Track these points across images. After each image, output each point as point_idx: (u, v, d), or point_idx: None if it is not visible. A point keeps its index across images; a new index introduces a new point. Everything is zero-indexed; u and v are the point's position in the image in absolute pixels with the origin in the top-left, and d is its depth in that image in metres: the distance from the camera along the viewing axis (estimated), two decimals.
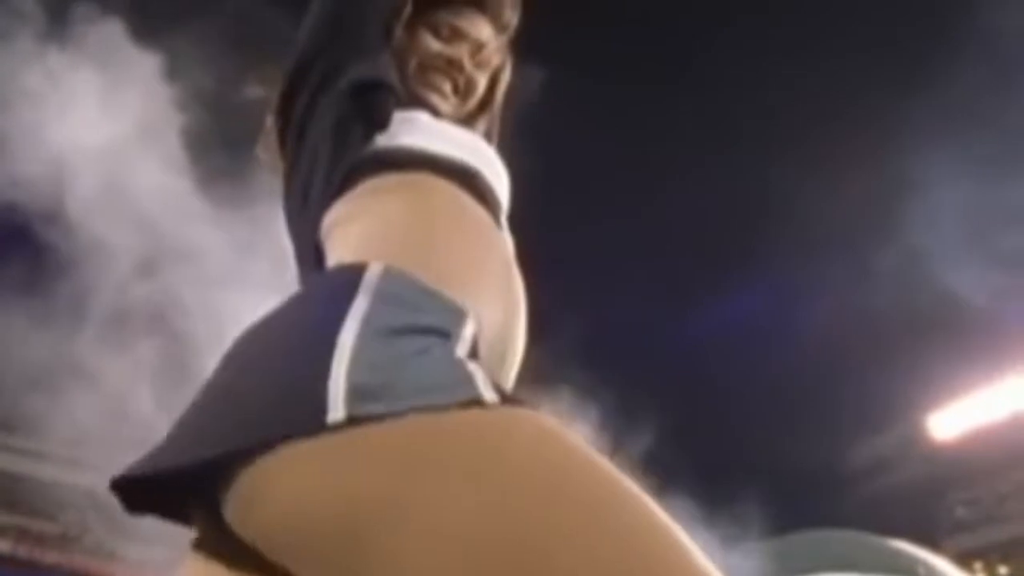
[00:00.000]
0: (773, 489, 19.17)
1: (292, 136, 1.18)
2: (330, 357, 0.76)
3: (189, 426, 0.81)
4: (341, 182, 1.07)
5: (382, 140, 1.11)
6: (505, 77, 1.41)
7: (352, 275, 0.87)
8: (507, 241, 1.14)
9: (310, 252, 1.08)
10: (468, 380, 0.76)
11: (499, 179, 1.20)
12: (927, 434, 21.70)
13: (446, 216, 1.04)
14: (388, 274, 0.86)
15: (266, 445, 0.73)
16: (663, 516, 0.68)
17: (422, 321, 0.83)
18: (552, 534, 0.65)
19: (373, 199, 1.04)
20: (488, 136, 1.39)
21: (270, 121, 1.26)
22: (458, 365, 0.79)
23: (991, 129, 17.34)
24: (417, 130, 1.15)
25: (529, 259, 1.17)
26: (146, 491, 0.80)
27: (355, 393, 0.73)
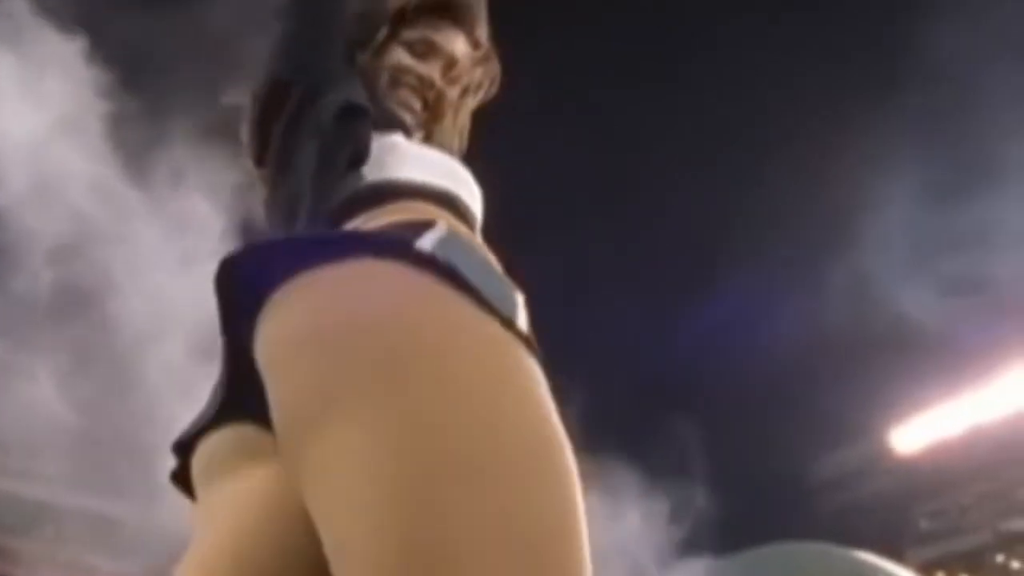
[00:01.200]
0: (741, 501, 19.53)
1: (272, 159, 1.19)
2: (418, 237, 0.83)
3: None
4: (337, 215, 1.07)
5: (370, 172, 1.13)
6: (484, 88, 1.42)
7: (421, 225, 0.91)
8: None
9: None
10: (516, 305, 0.86)
11: (474, 198, 1.23)
12: (891, 448, 22.03)
13: None
14: (453, 230, 0.93)
15: (359, 253, 0.82)
16: (578, 511, 0.75)
17: (491, 262, 0.93)
18: (473, 474, 0.70)
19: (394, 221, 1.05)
20: (454, 146, 1.41)
21: (245, 140, 1.27)
22: (513, 293, 0.88)
23: (944, 153, 17.79)
24: (401, 159, 1.17)
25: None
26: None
27: (439, 251, 0.81)
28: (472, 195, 1.22)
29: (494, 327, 0.80)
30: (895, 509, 21.49)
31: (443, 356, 0.77)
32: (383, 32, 1.34)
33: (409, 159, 1.17)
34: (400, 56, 1.33)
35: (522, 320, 0.86)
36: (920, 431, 21.48)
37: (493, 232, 1.25)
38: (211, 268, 0.89)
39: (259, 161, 1.22)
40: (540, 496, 0.73)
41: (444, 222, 0.94)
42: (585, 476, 0.78)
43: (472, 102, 1.43)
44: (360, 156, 1.14)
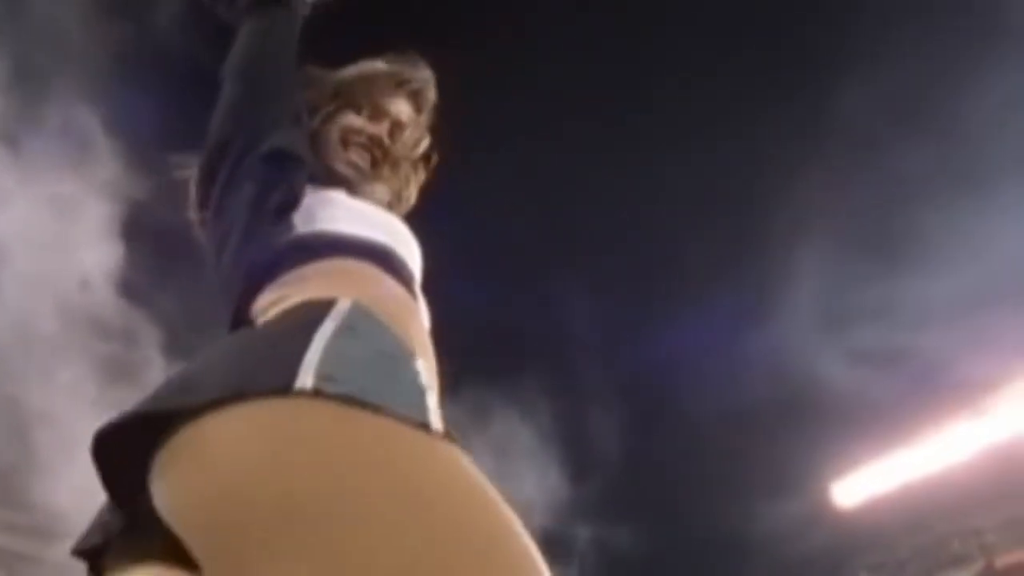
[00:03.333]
0: (684, 556, 19.72)
1: (213, 212, 1.19)
2: (303, 351, 0.78)
3: (162, 388, 0.82)
4: (265, 269, 1.06)
5: (301, 224, 1.12)
6: (428, 149, 1.47)
7: (322, 307, 0.89)
8: (423, 311, 1.18)
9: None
10: (423, 404, 0.79)
11: (411, 253, 1.23)
12: (831, 502, 22.39)
13: (380, 299, 1.03)
14: (357, 307, 0.90)
15: (231, 398, 0.75)
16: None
17: (390, 347, 0.87)
18: None
19: (301, 285, 1.03)
20: (402, 201, 1.46)
21: (192, 196, 1.30)
22: (418, 389, 0.81)
23: (857, 226, 18.35)
24: (334, 212, 1.17)
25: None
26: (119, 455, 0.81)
27: (323, 376, 0.75)
28: (409, 251, 1.22)
29: (401, 439, 0.75)
30: (836, 561, 21.83)
31: (359, 489, 0.70)
32: (332, 98, 1.40)
33: (343, 213, 1.17)
34: (350, 118, 1.38)
35: (432, 401, 0.81)
36: (859, 486, 21.91)
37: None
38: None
39: (202, 208, 1.23)
40: None
41: (346, 301, 0.90)
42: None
43: (418, 162, 1.47)
44: (290, 202, 1.13)
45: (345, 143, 1.38)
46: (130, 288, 10.90)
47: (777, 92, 17.41)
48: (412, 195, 1.48)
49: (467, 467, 0.76)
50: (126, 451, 0.80)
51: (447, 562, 0.66)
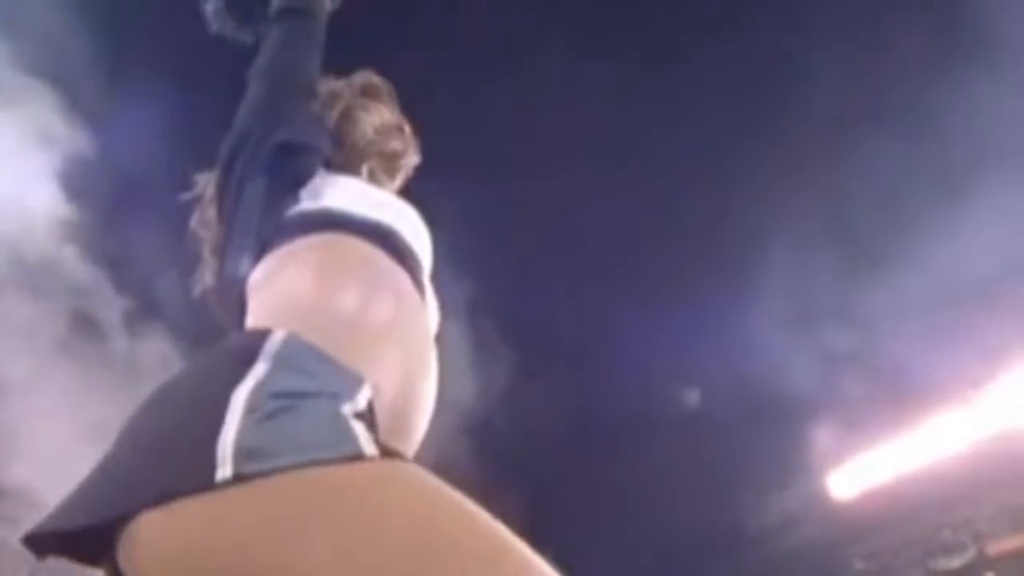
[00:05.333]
0: (677, 549, 19.65)
1: (230, 202, 1.21)
2: (222, 419, 0.78)
3: (89, 486, 0.82)
4: (266, 242, 1.10)
5: (307, 201, 1.15)
6: (408, 152, 1.53)
7: (255, 341, 0.89)
8: (424, 299, 1.17)
9: (238, 311, 1.11)
10: (350, 437, 0.79)
11: (419, 239, 1.23)
12: (827, 494, 22.72)
13: (355, 279, 1.05)
14: (289, 342, 0.89)
15: (157, 502, 0.75)
16: (532, 566, 0.73)
17: (314, 385, 0.85)
18: None
19: (290, 260, 1.07)
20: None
21: (209, 193, 1.33)
22: (341, 423, 0.81)
23: (838, 222, 18.24)
24: (340, 191, 1.19)
25: None
26: (56, 542, 0.82)
27: (242, 453, 0.75)
28: (416, 233, 1.22)
29: (331, 493, 0.75)
30: (832, 551, 22.06)
31: (298, 547, 0.71)
32: (337, 102, 1.46)
33: (350, 193, 1.19)
34: (361, 120, 1.46)
35: (362, 434, 0.81)
36: (853, 478, 22.28)
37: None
38: None
39: (219, 197, 1.26)
40: None
41: (277, 337, 0.89)
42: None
43: (399, 164, 1.52)
44: (300, 181, 1.17)
45: (361, 143, 1.44)
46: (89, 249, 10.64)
47: (741, 90, 17.10)
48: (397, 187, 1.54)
49: (410, 485, 0.78)
50: (67, 541, 0.82)
51: (408, 565, 0.69)
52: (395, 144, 1.48)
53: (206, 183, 1.36)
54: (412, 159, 1.52)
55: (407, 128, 1.52)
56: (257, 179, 1.18)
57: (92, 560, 0.85)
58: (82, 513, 0.79)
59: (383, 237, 1.13)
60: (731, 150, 17.38)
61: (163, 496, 0.75)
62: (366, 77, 1.52)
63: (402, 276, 1.12)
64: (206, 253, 1.32)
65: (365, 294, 1.04)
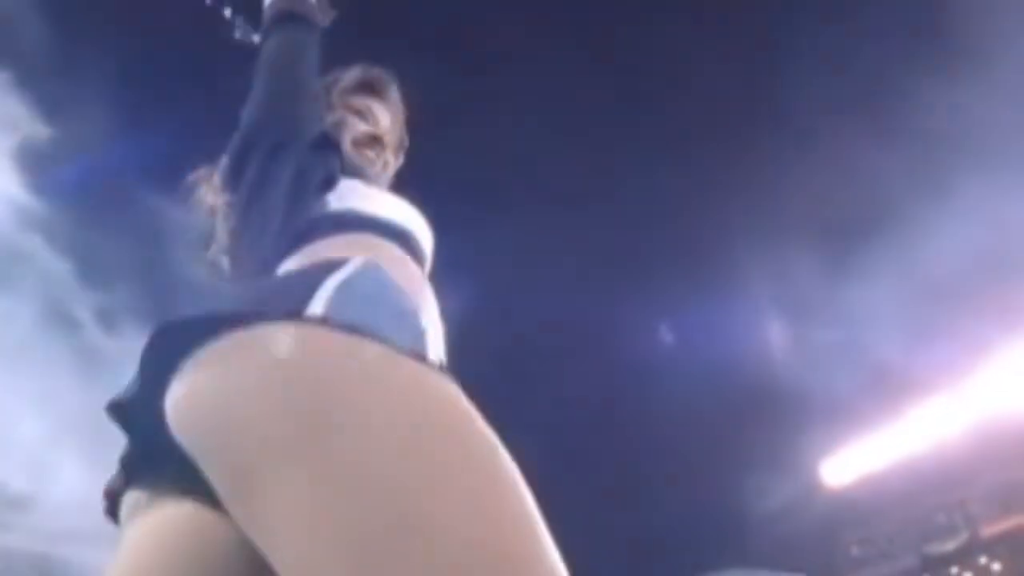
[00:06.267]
0: (675, 537, 19.21)
1: (241, 206, 1.21)
2: (312, 294, 0.81)
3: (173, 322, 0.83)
4: (297, 239, 1.11)
5: (334, 203, 1.17)
6: (402, 148, 1.58)
7: (338, 261, 0.92)
8: (432, 295, 1.20)
9: None
10: (423, 343, 0.84)
11: (426, 239, 1.26)
12: (821, 481, 23.11)
13: (396, 269, 1.06)
14: (369, 262, 0.94)
15: (245, 319, 0.78)
16: (534, 512, 0.71)
17: (393, 297, 0.91)
18: (438, 501, 0.66)
19: (332, 251, 1.06)
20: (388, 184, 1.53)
21: (212, 195, 1.34)
22: (419, 331, 0.86)
23: (828, 215, 18.36)
24: (362, 197, 1.22)
25: None
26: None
27: (332, 311, 0.79)
28: (425, 236, 1.26)
29: (400, 362, 0.77)
30: (829, 537, 22.45)
31: (359, 403, 0.72)
32: (343, 92, 1.52)
33: (369, 198, 1.22)
34: (355, 120, 1.49)
35: (432, 346, 0.87)
36: (847, 465, 22.66)
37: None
38: None
39: (227, 191, 1.26)
40: (493, 519, 0.67)
41: (360, 258, 0.93)
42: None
43: (394, 159, 1.57)
44: (331, 180, 1.19)
45: (356, 143, 1.48)
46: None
47: (719, 89, 16.97)
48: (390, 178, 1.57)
49: (460, 397, 0.77)
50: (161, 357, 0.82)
51: (438, 476, 0.67)
52: (369, 155, 1.52)
53: (206, 173, 1.39)
54: (385, 168, 1.55)
55: (385, 136, 1.54)
56: (284, 180, 1.17)
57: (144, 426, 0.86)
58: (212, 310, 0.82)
59: (403, 239, 1.18)
60: (715, 147, 17.46)
61: (257, 314, 0.78)
62: (360, 72, 1.57)
63: (418, 272, 1.18)
64: (219, 239, 1.33)
65: (405, 272, 1.10)
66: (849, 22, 16.27)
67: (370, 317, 0.80)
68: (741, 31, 17.06)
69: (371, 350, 0.76)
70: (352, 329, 0.77)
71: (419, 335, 0.85)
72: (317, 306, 0.79)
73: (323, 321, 0.77)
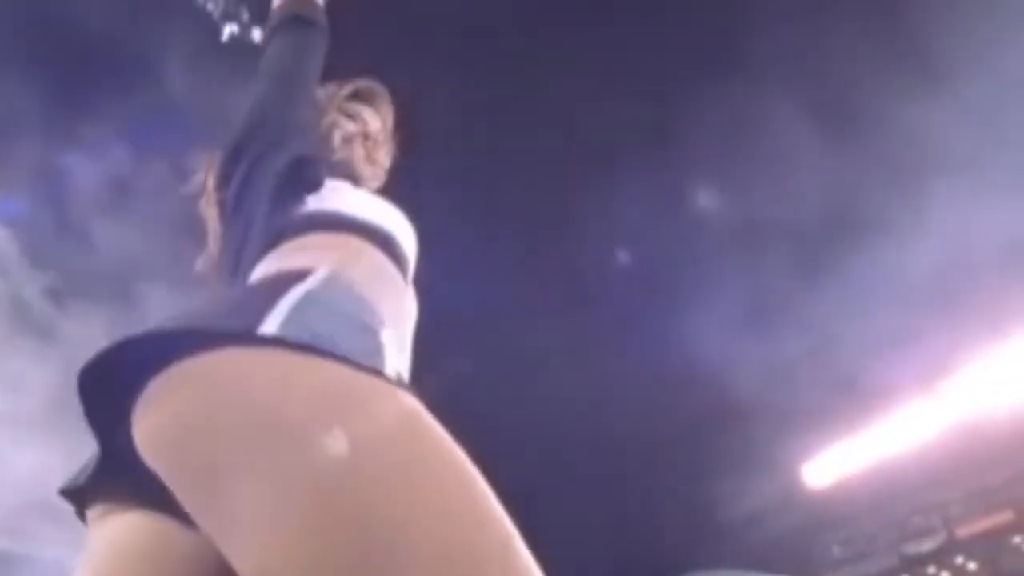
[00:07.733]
0: (660, 540, 19.50)
1: (229, 206, 1.22)
2: (269, 309, 0.81)
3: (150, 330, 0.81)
4: (275, 237, 1.11)
5: (314, 204, 1.17)
6: (392, 153, 1.58)
7: (300, 274, 0.92)
8: (411, 298, 1.22)
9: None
10: (380, 358, 0.82)
11: (408, 240, 1.25)
12: (803, 484, 23.34)
13: (370, 274, 1.07)
14: (332, 275, 0.93)
15: (207, 344, 0.77)
16: (504, 519, 0.71)
17: (353, 311, 0.89)
18: (407, 511, 0.66)
19: (309, 248, 1.07)
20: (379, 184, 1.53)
21: (206, 199, 1.35)
22: (377, 342, 0.85)
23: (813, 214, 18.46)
24: (344, 197, 1.22)
25: None
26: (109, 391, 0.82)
27: (287, 326, 0.78)
28: (407, 238, 1.25)
29: (352, 379, 0.76)
30: (809, 538, 22.62)
31: (308, 426, 0.72)
32: (337, 97, 1.51)
33: (352, 199, 1.22)
34: (346, 122, 1.49)
35: (391, 361, 0.84)
36: (828, 468, 22.88)
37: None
38: None
39: (220, 189, 1.26)
40: (463, 525, 0.68)
41: (326, 269, 0.93)
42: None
43: (383, 160, 1.56)
44: (316, 183, 1.19)
45: (346, 143, 1.47)
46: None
47: (692, 90, 16.89)
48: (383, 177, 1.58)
49: (417, 410, 0.77)
50: (108, 383, 0.81)
51: (399, 484, 0.68)
52: (358, 150, 1.52)
53: (204, 171, 1.40)
54: (373, 165, 1.55)
55: (373, 135, 1.55)
56: (263, 184, 1.18)
57: (109, 435, 0.86)
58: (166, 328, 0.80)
59: (383, 240, 1.17)
60: (688, 154, 17.61)
61: (215, 337, 0.78)
62: (354, 85, 1.57)
63: (397, 275, 1.17)
64: (210, 236, 1.34)
65: (380, 284, 1.09)
66: (823, 35, 16.45)
67: (327, 332, 0.80)
68: (714, 33, 17.09)
69: (321, 369, 0.77)
70: (305, 348, 0.77)
71: (378, 349, 0.84)
72: (273, 323, 0.79)
73: (274, 341, 0.78)
